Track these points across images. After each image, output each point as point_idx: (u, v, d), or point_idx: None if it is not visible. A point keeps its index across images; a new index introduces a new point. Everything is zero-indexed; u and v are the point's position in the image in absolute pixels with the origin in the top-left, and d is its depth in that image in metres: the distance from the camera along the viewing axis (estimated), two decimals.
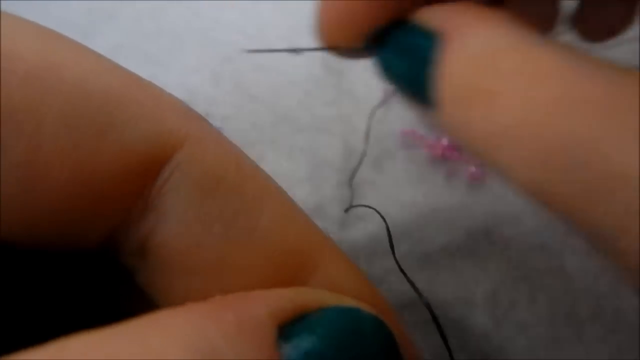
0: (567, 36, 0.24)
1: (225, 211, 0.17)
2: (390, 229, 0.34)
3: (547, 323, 0.32)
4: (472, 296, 0.33)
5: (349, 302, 0.16)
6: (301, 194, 0.34)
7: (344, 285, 0.18)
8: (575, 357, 0.32)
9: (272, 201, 0.17)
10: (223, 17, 0.40)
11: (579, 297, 0.32)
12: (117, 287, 0.19)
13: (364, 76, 0.36)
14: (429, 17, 0.19)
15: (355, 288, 0.18)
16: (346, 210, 0.27)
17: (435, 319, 0.18)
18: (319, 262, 0.18)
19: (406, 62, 0.19)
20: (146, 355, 0.12)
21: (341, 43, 0.21)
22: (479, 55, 0.17)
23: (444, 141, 0.35)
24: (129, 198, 0.16)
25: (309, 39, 0.38)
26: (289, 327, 0.14)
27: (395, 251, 0.34)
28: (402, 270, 0.20)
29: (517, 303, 0.33)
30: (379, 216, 0.35)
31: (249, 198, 0.17)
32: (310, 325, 0.15)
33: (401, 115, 0.36)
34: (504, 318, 0.32)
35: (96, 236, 0.17)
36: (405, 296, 0.33)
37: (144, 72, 0.19)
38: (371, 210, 0.34)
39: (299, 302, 0.15)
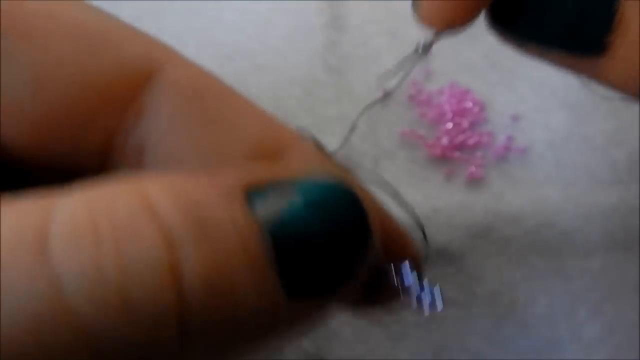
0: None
1: (209, 111, 0.19)
2: None
3: (547, 323, 0.32)
4: (472, 296, 0.33)
5: (321, 174, 0.17)
6: None
7: (317, 166, 0.19)
8: (575, 357, 0.32)
9: (248, 104, 0.20)
10: (223, 17, 0.40)
11: (579, 297, 0.32)
12: None
13: (364, 76, 0.36)
14: None
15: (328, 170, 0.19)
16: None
17: (419, 223, 0.18)
18: (292, 150, 0.19)
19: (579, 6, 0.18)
20: (142, 201, 0.14)
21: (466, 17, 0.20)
22: None
23: (444, 141, 0.35)
24: (124, 101, 0.18)
25: (308, 39, 0.38)
26: (260, 191, 0.15)
27: None
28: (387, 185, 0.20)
29: (517, 303, 0.33)
30: None
31: (229, 100, 0.19)
32: (281, 189, 0.15)
33: (401, 115, 0.36)
34: (504, 318, 0.32)
35: (97, 138, 0.18)
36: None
37: None
38: None
39: (270, 173, 0.16)
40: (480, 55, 0.37)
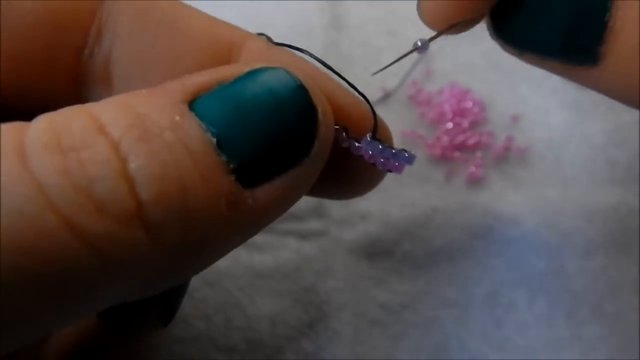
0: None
1: (163, 20, 0.20)
2: (391, 229, 0.34)
3: (547, 323, 0.32)
4: (471, 295, 0.33)
5: (266, 65, 0.18)
6: None
7: (269, 58, 0.21)
8: (574, 357, 0.32)
9: (199, 12, 0.21)
10: (223, 17, 0.39)
11: (579, 297, 0.32)
12: None
13: (364, 76, 0.36)
14: None
15: (281, 60, 0.20)
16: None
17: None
18: (243, 47, 0.21)
19: (572, 12, 0.19)
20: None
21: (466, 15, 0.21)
22: None
23: (444, 141, 0.35)
24: (85, 20, 0.20)
25: (308, 39, 0.38)
26: (205, 95, 0.17)
27: (396, 251, 0.34)
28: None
29: (517, 303, 0.33)
30: (379, 216, 0.35)
31: (180, 9, 0.21)
32: (225, 88, 0.17)
33: (401, 115, 0.36)
34: (503, 317, 0.32)
35: (67, 58, 0.20)
36: (406, 296, 0.33)
37: None
38: (371, 210, 0.34)
39: (214, 76, 0.17)
40: (480, 55, 0.37)
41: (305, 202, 0.34)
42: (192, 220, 0.16)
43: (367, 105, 0.20)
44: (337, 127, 0.19)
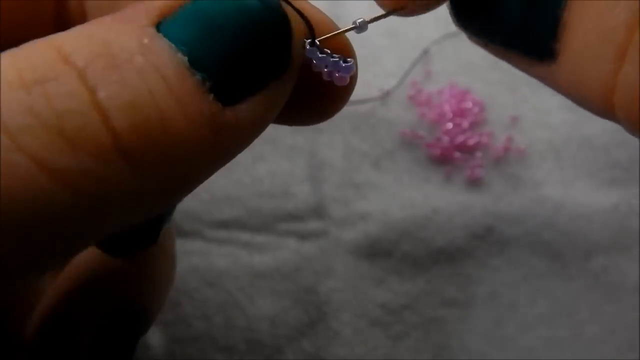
0: None
1: None
2: (391, 229, 0.34)
3: (547, 323, 0.32)
4: (472, 296, 0.33)
5: None
6: (301, 193, 0.34)
7: None
8: (575, 357, 0.32)
9: None
10: None
11: (579, 297, 0.32)
12: None
13: (364, 76, 0.36)
14: None
15: None
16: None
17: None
18: None
19: (523, 3, 0.17)
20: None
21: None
22: None
23: (444, 141, 0.35)
24: None
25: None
26: (173, 17, 0.16)
27: (396, 251, 0.34)
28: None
29: (517, 303, 0.33)
30: (379, 217, 0.35)
31: None
32: (187, 8, 0.16)
33: (401, 115, 0.36)
34: (504, 317, 0.32)
35: (46, 8, 0.20)
36: (406, 296, 0.33)
37: None
38: (371, 211, 0.34)
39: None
40: (480, 55, 0.37)
41: (305, 202, 0.34)
42: (174, 146, 0.15)
43: (333, 22, 0.20)
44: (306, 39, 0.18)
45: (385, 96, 0.36)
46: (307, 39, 0.18)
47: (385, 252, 0.33)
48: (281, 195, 0.34)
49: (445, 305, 0.32)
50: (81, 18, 0.21)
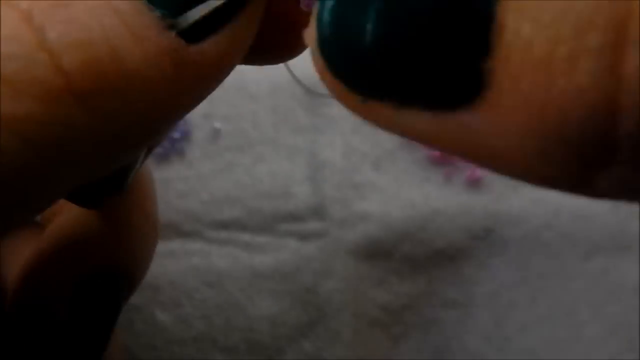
0: None
1: None
2: (391, 230, 0.34)
3: (547, 324, 0.32)
4: (472, 296, 0.33)
5: None
6: (301, 194, 0.34)
7: None
8: (575, 358, 0.32)
9: None
10: None
11: (579, 297, 0.32)
12: None
13: None
14: None
15: None
16: None
17: None
18: None
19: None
20: None
21: None
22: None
23: None
24: None
25: None
26: None
27: (396, 252, 0.34)
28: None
29: (517, 303, 0.33)
30: (379, 217, 0.35)
31: None
32: None
33: None
34: (504, 318, 0.32)
35: None
36: (406, 296, 0.33)
37: None
38: (371, 211, 0.34)
39: None
40: None
41: (305, 202, 0.34)
42: (131, 84, 0.14)
43: None
44: None
45: None
46: None
47: (385, 252, 0.33)
48: (281, 196, 0.34)
49: (445, 306, 0.32)
50: None
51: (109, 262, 0.23)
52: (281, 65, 0.38)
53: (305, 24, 0.15)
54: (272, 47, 0.19)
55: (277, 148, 0.35)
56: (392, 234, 0.33)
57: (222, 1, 0.15)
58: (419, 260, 0.33)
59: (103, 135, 0.14)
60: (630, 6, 0.10)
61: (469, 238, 0.33)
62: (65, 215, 0.24)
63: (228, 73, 0.17)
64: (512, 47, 0.11)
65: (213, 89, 0.17)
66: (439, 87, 0.12)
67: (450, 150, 0.13)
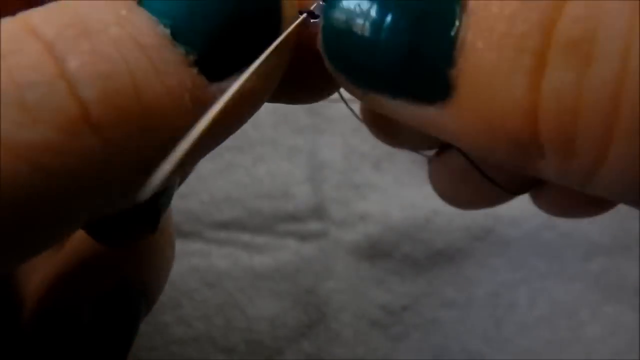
0: None
1: None
2: (391, 230, 0.34)
3: (547, 324, 0.32)
4: (472, 296, 0.33)
5: None
6: (301, 194, 0.34)
7: None
8: (575, 358, 0.32)
9: None
10: None
11: (579, 298, 0.32)
12: None
13: None
14: None
15: None
16: None
17: None
18: None
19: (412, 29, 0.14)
20: None
21: None
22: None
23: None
24: None
25: None
26: None
27: (396, 252, 0.34)
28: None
29: (517, 304, 0.33)
30: (379, 218, 0.35)
31: None
32: None
33: None
34: (504, 318, 0.32)
35: None
36: (406, 297, 0.33)
37: None
38: (371, 212, 0.34)
39: None
40: None
41: (305, 203, 0.34)
42: (151, 118, 0.14)
43: None
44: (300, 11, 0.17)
45: None
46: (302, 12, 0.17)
47: (385, 253, 0.33)
48: (281, 196, 0.34)
49: (445, 306, 0.32)
50: None
51: (130, 279, 0.23)
52: None
53: None
54: (304, 83, 0.19)
55: (277, 148, 0.35)
56: (392, 234, 0.33)
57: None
58: (419, 260, 0.33)
59: (119, 167, 0.14)
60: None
61: (469, 238, 0.33)
62: (83, 232, 0.24)
63: (254, 110, 0.17)
64: (470, 60, 0.14)
65: (238, 126, 0.17)
66: (417, 86, 0.15)
67: (435, 134, 0.16)
